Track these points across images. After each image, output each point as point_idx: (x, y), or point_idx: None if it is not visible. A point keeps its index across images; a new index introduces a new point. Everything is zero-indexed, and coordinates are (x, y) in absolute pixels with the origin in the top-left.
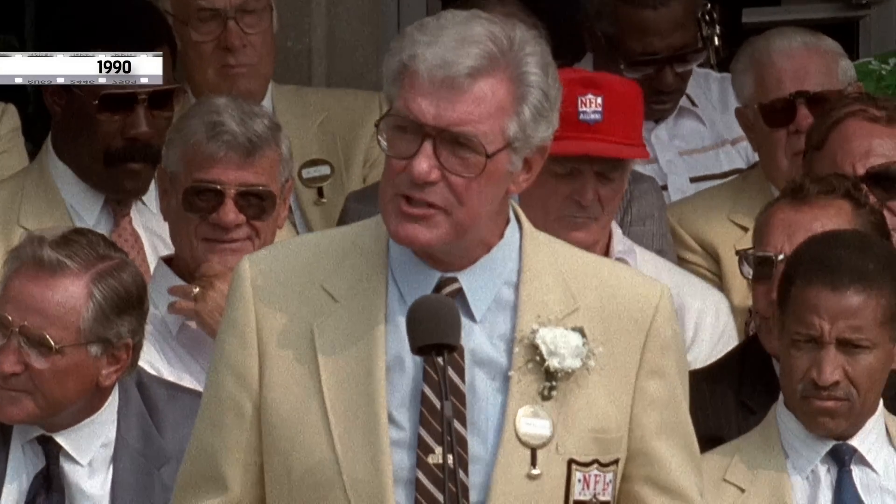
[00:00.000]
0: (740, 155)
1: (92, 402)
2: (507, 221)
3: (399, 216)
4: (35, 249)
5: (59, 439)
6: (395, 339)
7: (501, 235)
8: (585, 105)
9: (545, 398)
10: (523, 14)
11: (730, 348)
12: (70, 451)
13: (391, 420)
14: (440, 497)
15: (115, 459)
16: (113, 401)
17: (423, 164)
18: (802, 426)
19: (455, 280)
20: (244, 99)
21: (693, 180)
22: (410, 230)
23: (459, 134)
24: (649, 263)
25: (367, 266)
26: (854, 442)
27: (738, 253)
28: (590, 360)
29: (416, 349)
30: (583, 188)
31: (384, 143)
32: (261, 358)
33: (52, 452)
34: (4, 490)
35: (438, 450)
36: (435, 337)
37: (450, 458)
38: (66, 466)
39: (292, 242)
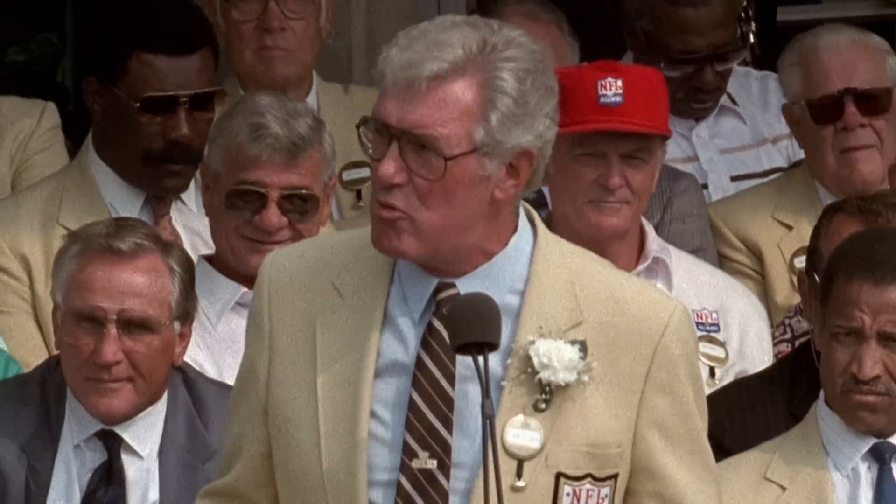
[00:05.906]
0: (781, 153)
1: (160, 390)
2: (515, 229)
3: (378, 223)
4: (102, 238)
5: (120, 432)
6: (392, 340)
7: (505, 243)
8: (606, 88)
9: (538, 410)
10: (543, 11)
11: (765, 350)
12: (131, 444)
13: (378, 418)
14: (420, 501)
15: (162, 453)
16: (165, 393)
17: (389, 165)
18: (843, 423)
19: (453, 286)
20: (287, 95)
21: (734, 179)
22: (387, 241)
23: (420, 136)
24: (685, 263)
25: (376, 265)
26: (895, 439)
27: (800, 272)
28: (585, 374)
29: (457, 347)
30: (608, 172)
31: (367, 146)
32: (270, 351)
33: (114, 446)
34: (51, 490)
35: (423, 454)
36: (476, 335)
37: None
38: (127, 459)
39: (316, 239)
